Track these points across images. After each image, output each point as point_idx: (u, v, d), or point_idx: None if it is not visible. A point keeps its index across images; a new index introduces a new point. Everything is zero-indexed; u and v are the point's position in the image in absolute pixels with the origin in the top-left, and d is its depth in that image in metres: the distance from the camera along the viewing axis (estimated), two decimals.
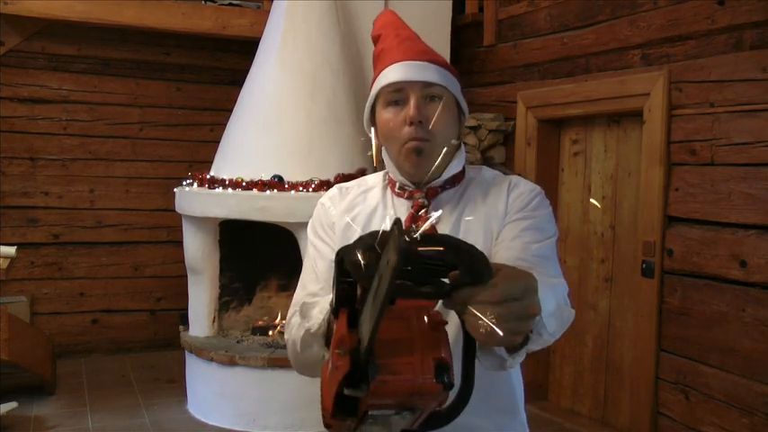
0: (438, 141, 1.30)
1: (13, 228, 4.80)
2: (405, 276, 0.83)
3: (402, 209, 1.36)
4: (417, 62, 1.34)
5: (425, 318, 0.89)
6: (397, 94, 1.32)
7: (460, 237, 1.04)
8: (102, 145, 5.03)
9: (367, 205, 1.40)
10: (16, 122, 4.80)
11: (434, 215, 1.27)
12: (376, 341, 0.81)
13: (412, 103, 1.30)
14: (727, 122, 3.04)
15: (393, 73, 1.33)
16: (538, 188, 1.37)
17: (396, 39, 1.42)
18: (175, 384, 4.41)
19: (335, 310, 0.95)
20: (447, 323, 0.90)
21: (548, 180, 4.20)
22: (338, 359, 0.87)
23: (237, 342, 4.02)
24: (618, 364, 3.82)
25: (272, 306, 4.45)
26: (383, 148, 1.40)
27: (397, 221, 0.79)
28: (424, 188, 1.35)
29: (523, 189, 1.35)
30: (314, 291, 1.39)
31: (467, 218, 1.32)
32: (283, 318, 4.22)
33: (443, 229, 1.32)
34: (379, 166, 1.46)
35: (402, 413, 0.88)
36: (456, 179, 1.38)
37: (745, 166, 2.96)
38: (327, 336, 1.11)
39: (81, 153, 4.98)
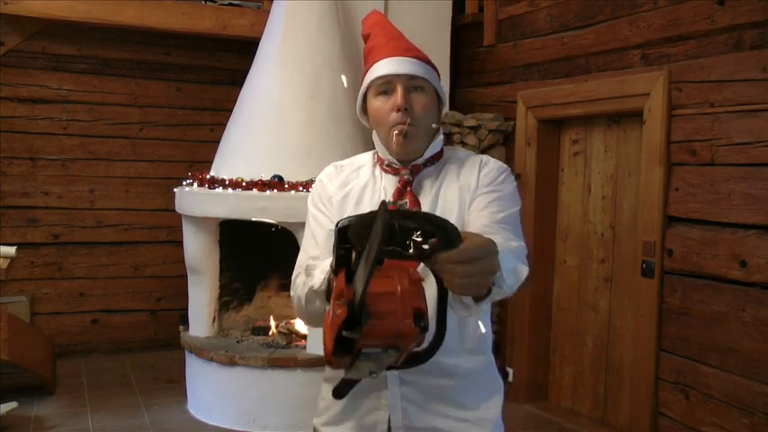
0: (421, 125, 1.52)
1: (13, 228, 4.80)
2: (392, 244, 1.08)
3: (390, 184, 1.57)
4: (402, 58, 1.54)
5: (407, 276, 1.11)
6: (385, 86, 1.54)
7: (438, 206, 1.50)
8: (102, 145, 5.03)
9: (359, 181, 1.63)
10: (16, 122, 4.80)
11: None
12: (367, 294, 1.03)
13: (399, 92, 1.51)
14: (727, 122, 3.04)
15: (382, 67, 1.53)
16: (505, 166, 1.60)
17: (384, 37, 1.61)
18: (175, 384, 4.41)
19: (335, 270, 1.17)
20: (424, 280, 1.15)
21: (548, 180, 4.20)
22: (337, 308, 1.09)
23: (237, 342, 4.02)
24: (618, 364, 3.82)
25: (272, 306, 4.46)
26: (373, 131, 1.63)
27: (383, 203, 1.05)
28: (408, 166, 1.57)
29: (492, 167, 1.57)
30: (314, 255, 1.60)
31: (444, 190, 1.55)
32: (276, 319, 4.25)
33: (425, 200, 1.54)
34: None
35: (388, 351, 1.09)
36: (435, 158, 1.59)
37: (745, 166, 2.97)
38: (328, 292, 1.31)
39: (81, 153, 4.98)
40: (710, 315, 3.12)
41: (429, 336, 1.15)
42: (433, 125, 1.56)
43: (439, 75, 1.61)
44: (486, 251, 1.15)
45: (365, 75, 1.58)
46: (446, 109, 1.45)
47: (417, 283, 1.12)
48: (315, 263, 1.50)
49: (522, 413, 4.15)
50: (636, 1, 3.49)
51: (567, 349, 4.19)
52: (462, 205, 1.53)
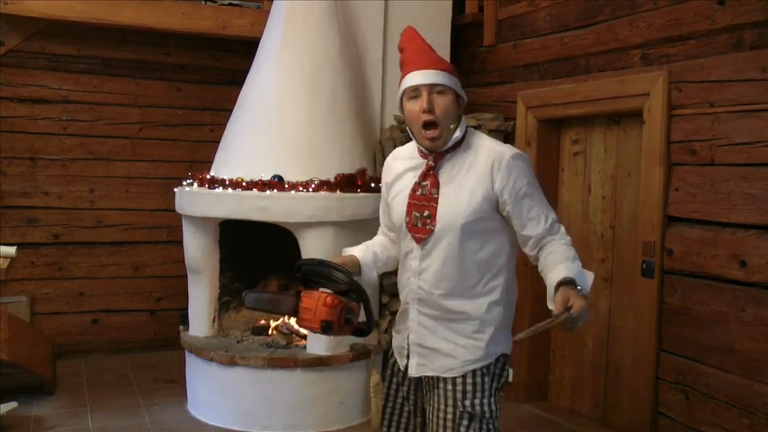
0: (442, 122, 2.02)
1: (13, 228, 4.80)
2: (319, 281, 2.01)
3: (422, 166, 2.12)
4: (428, 70, 2.04)
5: (326, 298, 1.93)
6: (414, 92, 2.04)
7: (453, 188, 2.04)
8: (102, 145, 5.04)
9: (405, 164, 2.19)
10: (16, 122, 4.80)
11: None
12: (300, 308, 1.99)
13: (424, 97, 2.01)
14: (727, 122, 3.04)
15: (411, 79, 2.05)
16: (507, 160, 2.03)
17: (414, 51, 2.11)
18: (175, 384, 4.41)
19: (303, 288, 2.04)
20: (337, 302, 1.93)
21: (548, 180, 4.20)
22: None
23: (237, 342, 4.02)
24: (618, 364, 3.82)
25: None
26: (409, 131, 2.12)
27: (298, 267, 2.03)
28: (432, 154, 2.08)
29: (504, 171, 2.02)
30: (382, 224, 2.38)
31: (462, 175, 2.06)
32: (276, 319, 4.24)
33: (444, 181, 2.06)
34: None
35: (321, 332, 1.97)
36: (456, 144, 2.08)
37: (745, 166, 2.97)
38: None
39: (81, 153, 4.98)
40: (710, 315, 3.12)
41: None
42: (451, 126, 2.04)
43: (459, 77, 2.11)
44: (584, 310, 1.86)
45: (401, 81, 2.09)
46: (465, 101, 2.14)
47: (331, 302, 1.93)
48: (376, 238, 2.38)
49: (522, 413, 4.15)
50: (636, 1, 3.49)
51: (567, 349, 4.19)
52: (475, 190, 2.03)
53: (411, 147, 2.19)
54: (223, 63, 5.22)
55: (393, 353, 2.26)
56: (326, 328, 1.92)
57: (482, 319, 2.09)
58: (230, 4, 4.77)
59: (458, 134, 2.05)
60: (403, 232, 2.12)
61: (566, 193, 4.19)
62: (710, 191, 3.11)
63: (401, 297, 2.21)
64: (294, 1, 4.07)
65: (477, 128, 4.30)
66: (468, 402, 2.05)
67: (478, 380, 2.07)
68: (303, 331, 4.05)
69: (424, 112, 1.99)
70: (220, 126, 4.36)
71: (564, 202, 4.18)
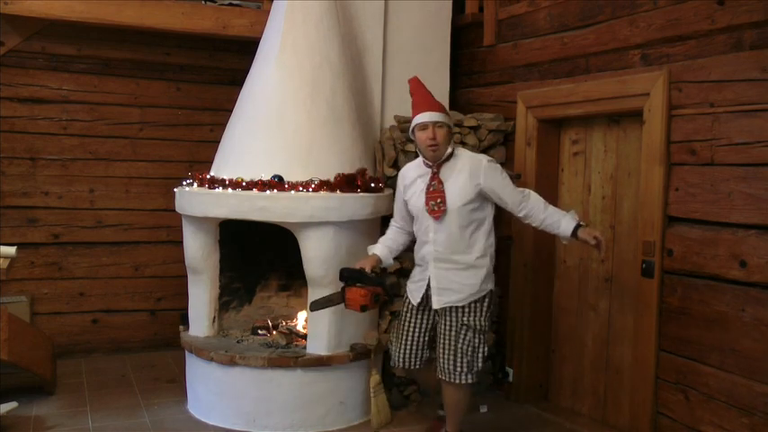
0: (440, 144, 3.27)
1: (13, 228, 4.80)
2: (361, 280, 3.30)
3: (428, 174, 3.32)
4: (432, 112, 3.28)
5: (361, 290, 3.24)
6: (423, 126, 3.27)
7: (450, 184, 3.28)
8: (102, 145, 5.04)
9: (416, 173, 3.40)
10: (16, 122, 4.80)
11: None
12: (346, 298, 3.29)
13: (430, 129, 3.25)
14: (727, 122, 3.04)
15: (422, 117, 3.27)
16: (489, 162, 3.32)
17: (422, 97, 3.36)
18: (175, 384, 4.41)
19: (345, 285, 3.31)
20: (366, 291, 3.24)
21: (548, 180, 4.21)
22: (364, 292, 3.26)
23: (237, 342, 4.02)
24: (618, 364, 3.82)
25: (272, 306, 4.46)
26: (417, 148, 3.39)
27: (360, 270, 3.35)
28: (434, 165, 3.30)
29: (490, 170, 3.29)
30: (395, 220, 3.56)
31: (456, 175, 3.29)
32: (276, 319, 4.26)
33: (445, 180, 3.28)
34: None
35: (361, 308, 3.30)
36: (448, 157, 3.31)
37: (745, 166, 2.96)
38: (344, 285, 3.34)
39: (81, 153, 4.99)
40: (710, 315, 3.12)
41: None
42: (448, 149, 3.31)
43: (448, 112, 3.42)
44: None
45: (413, 117, 3.32)
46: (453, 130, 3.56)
47: (367, 294, 3.21)
48: (390, 231, 3.58)
49: (522, 413, 4.15)
50: (636, 1, 3.49)
51: (567, 349, 4.19)
52: (467, 184, 3.26)
53: (418, 162, 3.41)
54: (223, 63, 5.22)
55: (407, 295, 3.46)
56: (364, 308, 3.25)
57: (476, 267, 3.30)
58: (230, 4, 4.77)
59: (450, 150, 3.30)
60: (422, 215, 3.31)
61: (566, 193, 4.19)
62: (710, 191, 3.11)
63: (417, 259, 3.40)
64: (294, 1, 4.07)
65: (477, 128, 4.32)
66: (466, 319, 3.28)
67: (475, 305, 3.31)
68: (303, 331, 4.06)
69: (430, 139, 3.24)
70: (220, 126, 4.36)
71: (564, 202, 4.17)
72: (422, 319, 3.41)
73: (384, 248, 3.47)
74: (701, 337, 3.17)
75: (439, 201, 3.24)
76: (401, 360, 3.45)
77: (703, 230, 3.15)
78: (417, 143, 3.31)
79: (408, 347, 3.42)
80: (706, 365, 3.15)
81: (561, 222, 3.21)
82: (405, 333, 3.43)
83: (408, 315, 3.44)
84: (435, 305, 3.31)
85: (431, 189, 3.26)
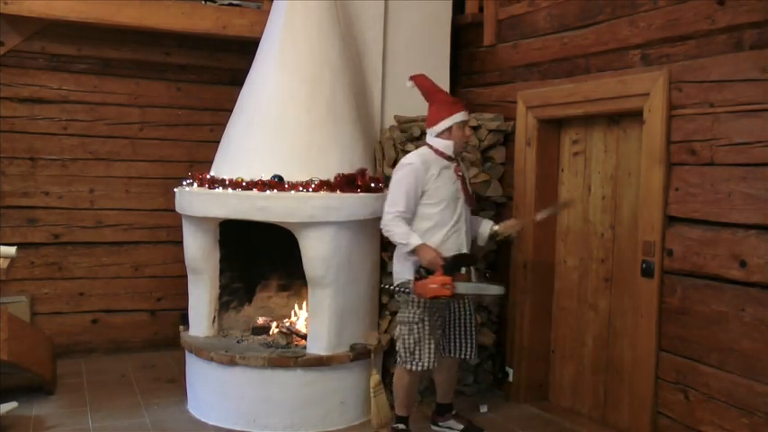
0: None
1: (13, 228, 4.80)
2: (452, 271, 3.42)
3: (451, 166, 3.52)
4: (466, 111, 3.57)
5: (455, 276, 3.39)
6: (463, 123, 3.52)
7: (465, 174, 3.64)
8: (102, 145, 5.04)
9: (437, 166, 3.47)
10: (16, 122, 4.80)
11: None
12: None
13: (467, 127, 3.61)
14: (727, 122, 3.04)
15: (464, 116, 3.52)
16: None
17: (446, 94, 3.72)
18: (175, 384, 4.41)
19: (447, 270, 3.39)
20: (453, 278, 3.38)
21: (548, 180, 4.21)
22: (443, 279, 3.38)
23: (237, 342, 4.02)
24: (618, 364, 3.82)
25: (272, 306, 4.46)
26: (427, 136, 3.59)
27: (443, 266, 3.40)
28: (457, 157, 3.59)
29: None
30: (402, 210, 3.41)
31: (464, 167, 3.69)
32: (276, 319, 4.26)
33: (464, 171, 3.64)
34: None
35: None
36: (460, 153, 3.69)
37: (745, 166, 2.96)
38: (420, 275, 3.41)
39: (81, 153, 4.98)
40: (710, 315, 3.12)
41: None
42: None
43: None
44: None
45: (442, 115, 3.48)
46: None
47: (449, 282, 3.35)
48: (402, 222, 3.41)
49: (522, 413, 4.15)
50: (636, 1, 3.49)
51: (567, 349, 4.19)
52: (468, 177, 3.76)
53: (429, 154, 3.49)
54: (223, 63, 5.22)
55: (413, 299, 3.44)
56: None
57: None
58: (230, 4, 4.77)
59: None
60: (453, 203, 3.46)
61: (566, 193, 4.18)
62: (710, 191, 3.11)
63: (449, 245, 3.45)
64: (294, 1, 4.07)
65: (477, 128, 4.32)
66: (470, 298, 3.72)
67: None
68: (303, 331, 4.06)
69: (468, 136, 3.60)
70: (220, 126, 4.36)
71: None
72: (436, 317, 3.52)
73: (423, 237, 3.42)
74: (700, 336, 3.17)
75: (471, 191, 3.61)
76: (431, 362, 3.47)
77: (703, 230, 3.15)
78: (453, 138, 3.47)
79: (434, 348, 3.47)
80: (706, 365, 3.15)
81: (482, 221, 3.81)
82: (428, 336, 3.45)
83: (425, 317, 3.45)
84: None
85: (465, 180, 3.55)
